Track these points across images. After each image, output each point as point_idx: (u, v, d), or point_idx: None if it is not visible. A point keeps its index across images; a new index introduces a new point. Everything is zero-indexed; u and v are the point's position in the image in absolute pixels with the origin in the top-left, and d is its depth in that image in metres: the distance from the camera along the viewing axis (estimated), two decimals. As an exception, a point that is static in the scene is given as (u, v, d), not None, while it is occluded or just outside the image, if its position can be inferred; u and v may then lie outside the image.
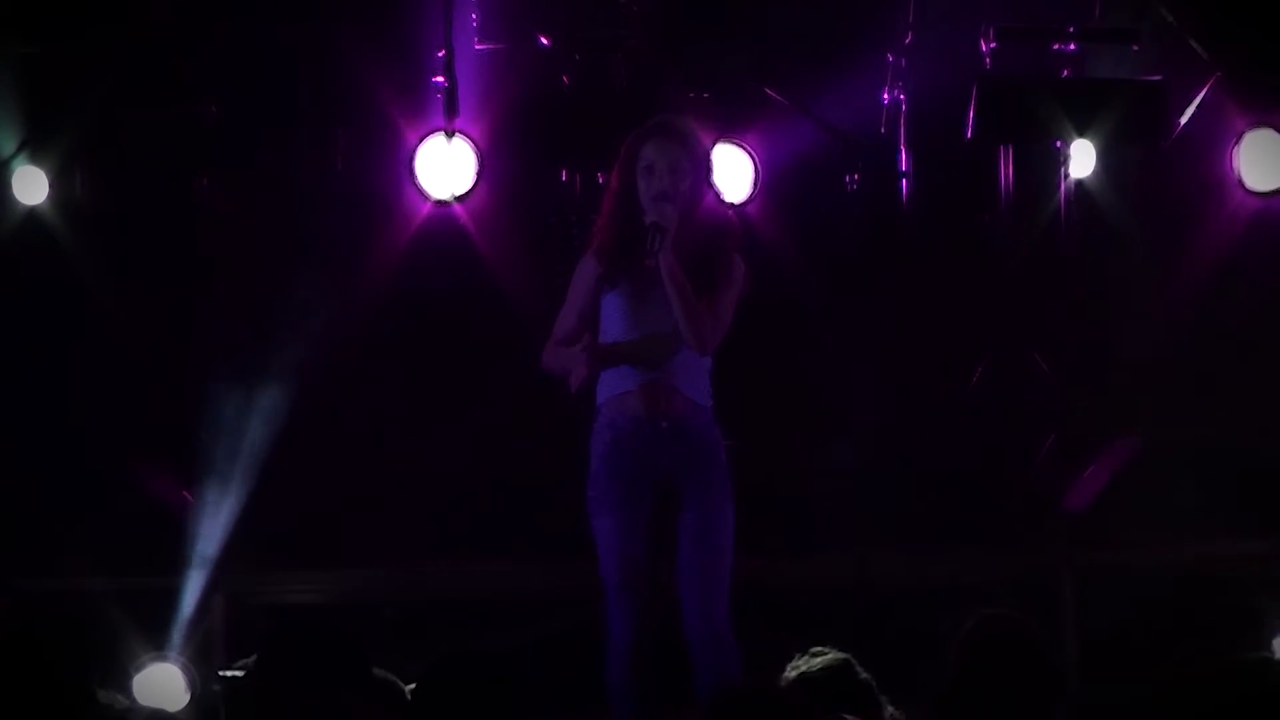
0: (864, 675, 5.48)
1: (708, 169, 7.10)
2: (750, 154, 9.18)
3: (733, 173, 9.10)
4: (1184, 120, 9.42)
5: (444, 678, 4.76)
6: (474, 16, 9.40)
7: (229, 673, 6.11)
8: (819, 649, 5.50)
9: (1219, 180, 9.43)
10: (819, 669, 5.45)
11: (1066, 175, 9.43)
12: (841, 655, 5.48)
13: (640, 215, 6.96)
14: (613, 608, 6.98)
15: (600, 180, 8.90)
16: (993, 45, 9.43)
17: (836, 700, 5.30)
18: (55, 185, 9.13)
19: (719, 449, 7.03)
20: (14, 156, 9.08)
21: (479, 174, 9.19)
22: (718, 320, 6.96)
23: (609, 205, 7.10)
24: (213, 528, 8.63)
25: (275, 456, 9.09)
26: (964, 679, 4.91)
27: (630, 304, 7.02)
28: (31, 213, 9.12)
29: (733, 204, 8.75)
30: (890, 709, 5.33)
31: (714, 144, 8.93)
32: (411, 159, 9.19)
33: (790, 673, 5.48)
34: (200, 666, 8.12)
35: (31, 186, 9.10)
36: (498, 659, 4.80)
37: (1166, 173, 9.53)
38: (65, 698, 4.84)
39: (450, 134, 9.15)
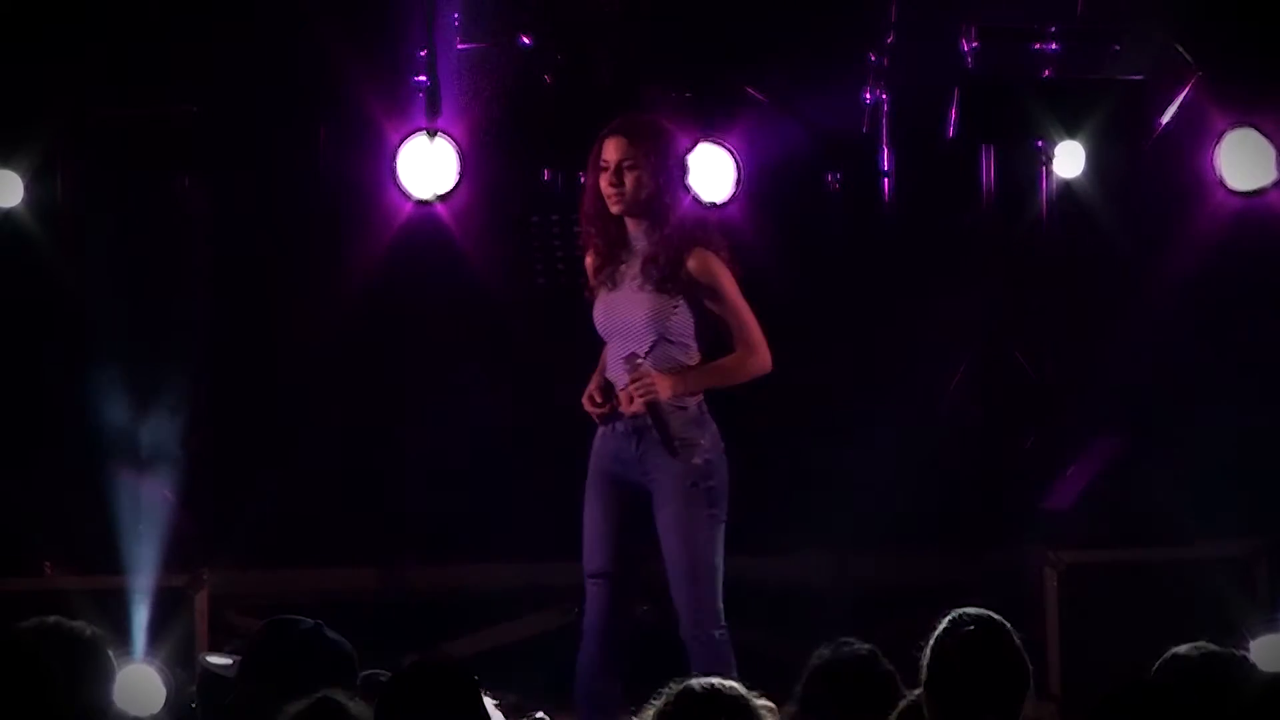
0: (888, 666, 5.53)
1: (678, 169, 7.14)
2: (732, 153, 9.18)
3: (714, 172, 9.11)
4: (1165, 120, 9.43)
5: (405, 689, 4.69)
6: (456, 16, 9.39)
7: (212, 659, 6.09)
8: (846, 640, 5.56)
9: (1200, 180, 9.44)
10: (844, 658, 5.50)
11: (1048, 174, 9.44)
12: (866, 646, 5.53)
13: (609, 214, 7.02)
14: (586, 596, 7.13)
15: (582, 179, 8.91)
16: (974, 45, 9.44)
17: (858, 690, 5.35)
18: (31, 187, 9.08)
19: (691, 452, 7.05)
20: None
21: (461, 173, 9.17)
22: (753, 343, 7.10)
23: (585, 203, 7.24)
24: (190, 527, 8.62)
25: (256, 455, 9.09)
26: (937, 675, 4.93)
27: (603, 316, 7.18)
28: (7, 216, 9.07)
29: (713, 203, 8.84)
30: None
31: (695, 143, 8.97)
32: (393, 158, 9.17)
33: (815, 661, 5.53)
34: (179, 667, 8.09)
35: (5, 189, 9.05)
36: (459, 668, 4.74)
37: (1148, 173, 9.54)
38: (52, 700, 4.82)
39: (432, 133, 9.14)
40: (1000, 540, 8.91)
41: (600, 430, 7.18)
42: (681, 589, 7.01)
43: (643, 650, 7.10)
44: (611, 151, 7.10)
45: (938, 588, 8.39)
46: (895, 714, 5.09)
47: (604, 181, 7.10)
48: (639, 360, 7.03)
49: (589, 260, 7.26)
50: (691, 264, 7.08)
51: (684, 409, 7.09)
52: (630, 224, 7.14)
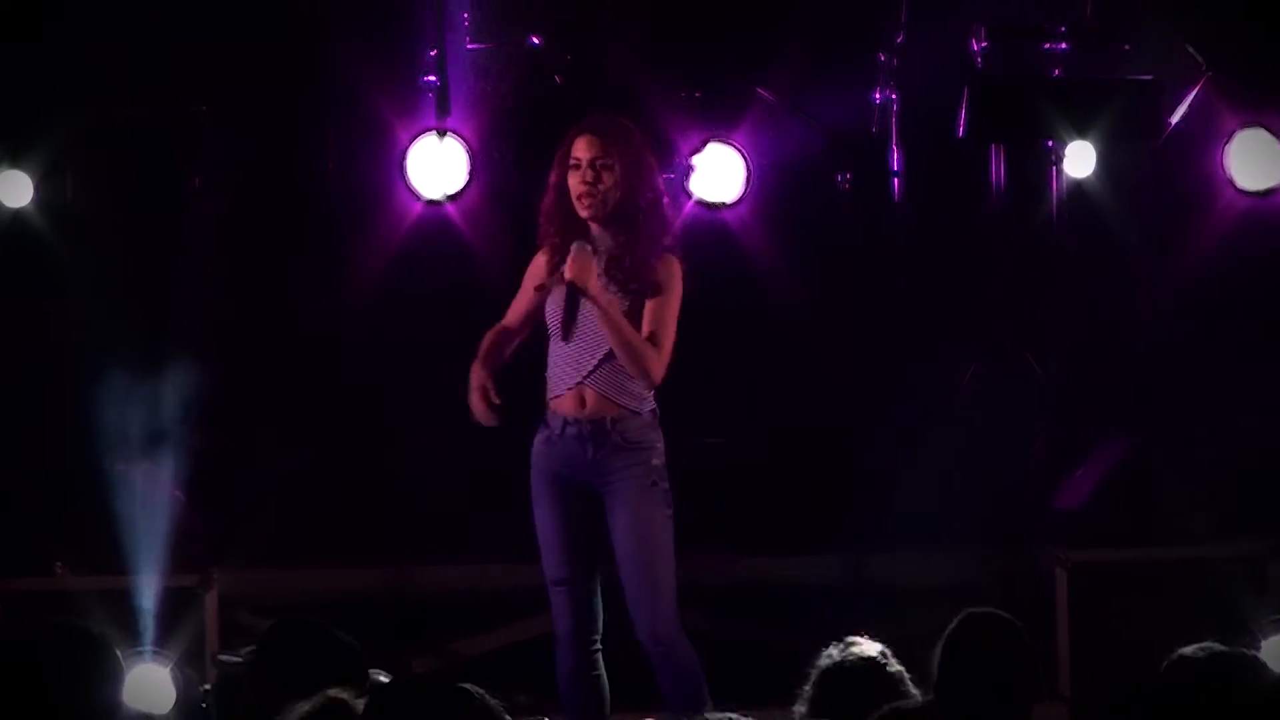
0: (896, 667, 5.53)
1: (649, 170, 7.07)
2: (741, 153, 9.18)
3: (723, 172, 9.12)
4: (1175, 120, 9.42)
5: (383, 707, 4.65)
6: (465, 15, 9.40)
7: (227, 658, 6.10)
8: (854, 639, 5.56)
9: (1210, 180, 9.43)
10: (853, 659, 5.50)
11: (1059, 174, 9.43)
12: (875, 647, 5.54)
13: (573, 213, 6.98)
14: (551, 603, 7.08)
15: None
16: (984, 44, 9.44)
17: (868, 689, 5.36)
18: (41, 187, 9.08)
19: (649, 454, 7.00)
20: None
21: (471, 173, 9.18)
22: (660, 345, 6.95)
23: (546, 201, 7.13)
24: (199, 527, 8.63)
25: (265, 455, 9.10)
26: (948, 675, 4.94)
27: (561, 312, 7.03)
28: (16, 215, 9.08)
29: (721, 203, 8.85)
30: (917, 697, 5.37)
31: (705, 143, 8.97)
32: (403, 158, 9.18)
33: (824, 661, 5.53)
34: (189, 667, 8.10)
35: (15, 189, 9.04)
36: (438, 684, 4.71)
37: (1158, 173, 9.53)
38: (60, 700, 4.82)
39: (442, 133, 9.14)
40: (1010, 540, 8.89)
41: (542, 434, 7.08)
42: (641, 592, 6.94)
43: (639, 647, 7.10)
44: (583, 149, 7.01)
45: (947, 587, 8.38)
46: None
47: (575, 179, 7.00)
48: (588, 247, 6.92)
49: (543, 259, 7.14)
50: (659, 268, 7.01)
51: (638, 414, 7.00)
52: (594, 224, 7.05)
